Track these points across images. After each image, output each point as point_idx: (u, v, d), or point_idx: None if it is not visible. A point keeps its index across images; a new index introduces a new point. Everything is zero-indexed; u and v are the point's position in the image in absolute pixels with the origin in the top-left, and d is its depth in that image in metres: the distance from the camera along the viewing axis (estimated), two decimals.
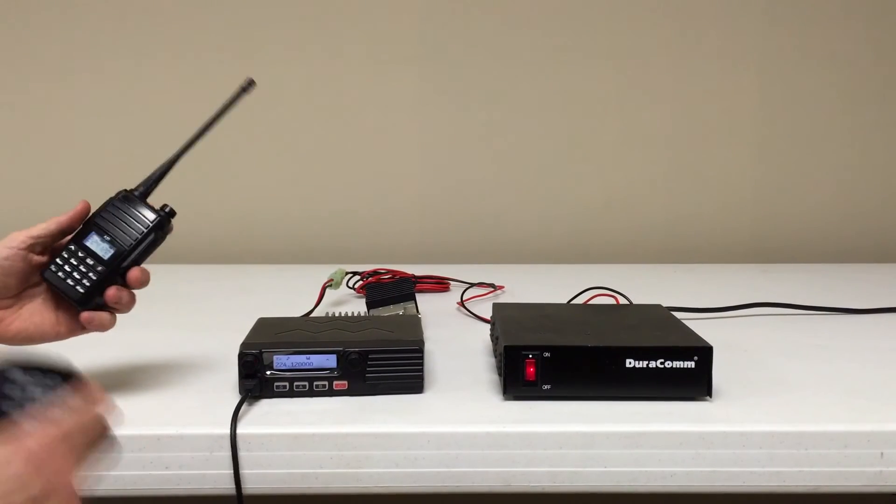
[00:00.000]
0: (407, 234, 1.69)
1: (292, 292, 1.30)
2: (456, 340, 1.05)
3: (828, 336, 1.09)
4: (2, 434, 0.50)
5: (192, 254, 1.55)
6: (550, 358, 0.82)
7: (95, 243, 0.80)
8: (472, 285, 1.33)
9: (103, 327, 0.81)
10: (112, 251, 0.79)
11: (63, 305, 0.81)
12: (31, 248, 0.79)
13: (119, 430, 0.74)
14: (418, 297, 1.16)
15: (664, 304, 1.04)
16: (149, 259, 0.83)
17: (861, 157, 1.70)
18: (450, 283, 1.37)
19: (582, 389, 0.82)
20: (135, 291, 0.82)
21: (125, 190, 0.82)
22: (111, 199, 0.82)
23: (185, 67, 1.63)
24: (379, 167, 1.68)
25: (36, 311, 0.80)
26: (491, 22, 1.64)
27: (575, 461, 0.75)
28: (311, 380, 0.82)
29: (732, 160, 1.69)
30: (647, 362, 0.82)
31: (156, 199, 0.83)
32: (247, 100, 0.85)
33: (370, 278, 1.31)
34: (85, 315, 0.79)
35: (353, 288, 1.32)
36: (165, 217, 0.81)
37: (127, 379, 0.88)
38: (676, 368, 0.81)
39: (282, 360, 0.82)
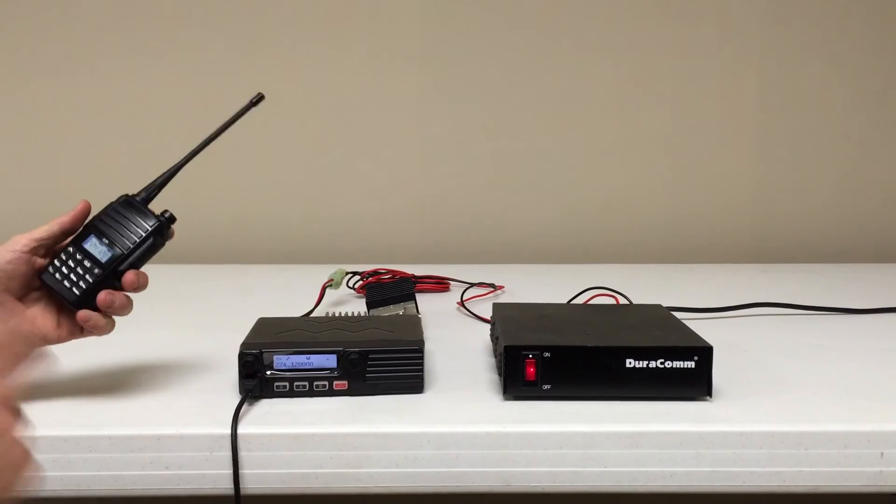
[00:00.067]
0: (407, 234, 1.69)
1: (292, 292, 1.30)
2: (456, 340, 1.05)
3: (828, 336, 1.09)
4: None
5: (192, 254, 1.55)
6: (550, 358, 0.82)
7: (94, 246, 0.80)
8: (472, 285, 1.33)
9: (98, 329, 0.80)
10: (110, 254, 0.79)
11: (64, 308, 0.81)
12: (34, 250, 0.79)
13: (119, 430, 0.75)
14: (418, 297, 1.16)
15: (664, 304, 1.04)
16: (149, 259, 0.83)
17: (861, 157, 1.70)
18: (450, 283, 1.37)
19: (582, 389, 0.82)
20: (133, 295, 0.81)
21: (126, 195, 0.82)
22: (112, 203, 0.82)
23: (185, 67, 1.62)
24: (379, 167, 1.68)
25: (38, 315, 0.80)
26: (491, 22, 1.64)
27: (575, 461, 0.75)
28: (311, 380, 0.82)
29: (732, 160, 1.69)
30: (647, 362, 0.82)
31: (157, 197, 0.83)
32: (247, 100, 0.85)
33: (370, 278, 1.31)
34: (82, 313, 0.79)
35: (353, 288, 1.32)
36: (165, 222, 0.81)
37: (127, 379, 0.88)
38: (676, 368, 0.81)
39: (282, 360, 0.82)
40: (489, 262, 1.61)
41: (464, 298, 1.25)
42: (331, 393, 0.82)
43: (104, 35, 1.62)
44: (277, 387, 0.82)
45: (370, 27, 1.63)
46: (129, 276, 0.80)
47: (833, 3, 1.65)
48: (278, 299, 1.30)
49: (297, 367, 0.82)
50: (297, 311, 1.12)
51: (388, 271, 1.34)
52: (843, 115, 1.68)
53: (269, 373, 0.82)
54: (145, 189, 0.83)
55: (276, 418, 0.77)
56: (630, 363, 0.82)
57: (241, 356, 0.81)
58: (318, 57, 1.64)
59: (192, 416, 0.78)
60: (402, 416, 0.79)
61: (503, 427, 0.76)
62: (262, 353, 0.81)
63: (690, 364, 0.81)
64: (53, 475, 0.74)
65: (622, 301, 1.18)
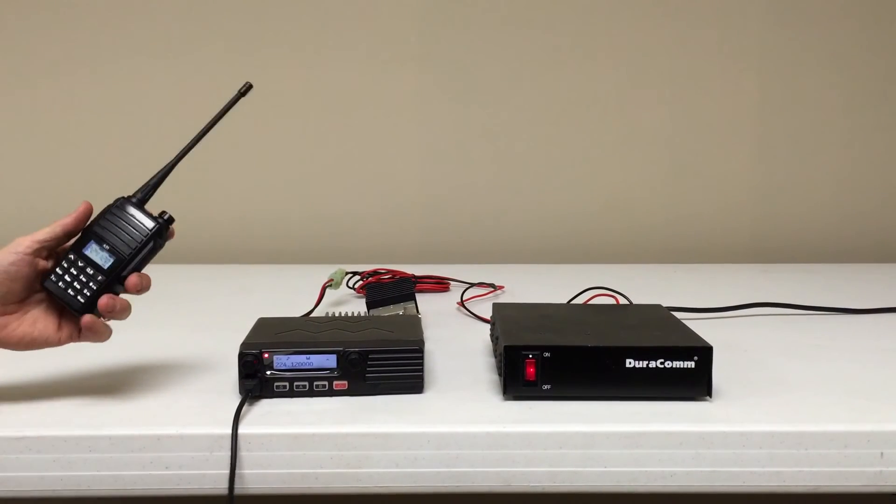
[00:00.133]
0: (407, 234, 1.69)
1: (292, 292, 1.30)
2: (456, 340, 1.05)
3: (828, 336, 1.09)
4: None
5: (192, 254, 1.55)
6: (550, 358, 0.82)
7: (95, 252, 0.79)
8: (472, 285, 1.33)
9: (99, 335, 0.80)
10: (112, 260, 0.79)
11: (65, 312, 0.81)
12: (36, 252, 0.79)
13: (119, 430, 0.75)
14: (418, 297, 1.16)
15: (664, 304, 1.04)
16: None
17: (861, 157, 1.70)
18: (450, 283, 1.37)
19: (582, 389, 0.82)
20: (133, 296, 0.81)
21: (123, 197, 0.82)
22: (109, 206, 0.82)
23: (185, 67, 1.63)
24: (379, 167, 1.68)
25: (39, 317, 0.80)
26: (491, 22, 1.64)
27: (575, 461, 0.75)
28: (311, 380, 0.82)
29: (732, 160, 1.69)
30: (647, 362, 0.82)
31: (157, 197, 0.83)
32: (247, 99, 0.84)
33: (370, 278, 1.31)
34: (87, 318, 0.78)
35: (353, 288, 1.32)
36: (164, 224, 0.81)
37: (127, 379, 0.88)
38: (676, 368, 0.81)
39: (282, 360, 0.82)
40: (489, 262, 1.61)
41: (464, 298, 1.25)
42: (331, 393, 0.82)
43: (104, 35, 1.62)
44: (277, 387, 0.82)
45: (370, 27, 1.63)
46: (132, 279, 0.80)
47: (833, 3, 1.65)
48: (278, 299, 1.30)
49: (297, 367, 0.82)
50: (297, 311, 1.12)
51: (388, 271, 1.34)
52: (843, 115, 1.68)
53: (269, 373, 0.82)
54: (141, 190, 0.82)
55: (276, 418, 0.77)
56: (630, 363, 0.82)
57: (241, 356, 0.81)
58: (318, 57, 1.64)
59: (192, 416, 0.78)
60: (402, 416, 0.79)
61: (503, 427, 0.76)
62: (261, 353, 0.81)
63: (690, 364, 0.81)
64: (53, 475, 0.74)
65: (622, 301, 1.18)
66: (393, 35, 1.64)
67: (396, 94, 1.65)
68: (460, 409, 0.80)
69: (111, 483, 0.74)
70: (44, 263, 0.80)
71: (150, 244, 0.80)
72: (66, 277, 0.79)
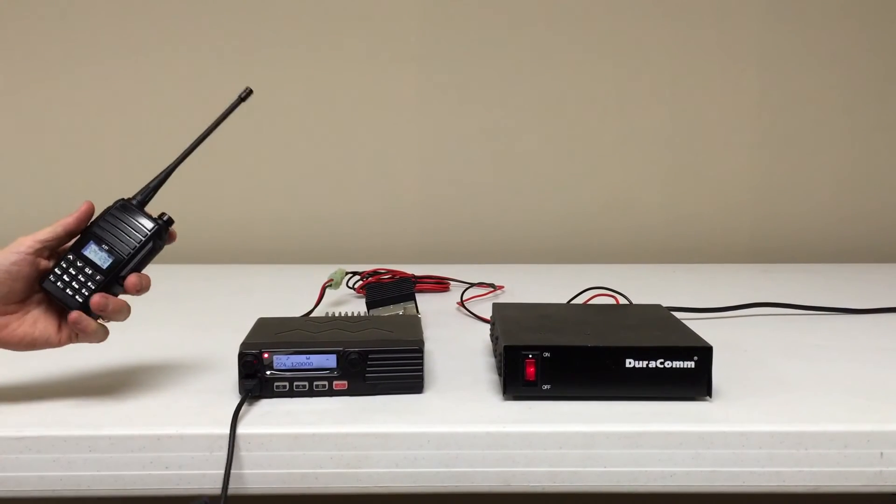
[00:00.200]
0: (407, 234, 1.69)
1: (292, 292, 1.30)
2: (456, 340, 1.05)
3: (828, 336, 1.09)
4: None
5: (192, 254, 1.55)
6: (550, 358, 0.82)
7: (94, 252, 0.80)
8: (472, 285, 1.33)
9: (88, 333, 0.79)
10: (111, 260, 0.79)
11: (66, 313, 0.80)
12: (38, 252, 0.79)
13: (119, 430, 0.75)
14: (418, 297, 1.16)
15: (664, 304, 1.04)
16: None
17: (861, 157, 1.70)
18: (450, 283, 1.37)
19: (582, 389, 0.82)
20: (134, 297, 0.81)
21: (123, 199, 0.82)
22: (109, 208, 0.82)
23: (185, 67, 1.63)
24: (379, 167, 1.68)
25: (40, 317, 0.79)
26: (491, 22, 1.64)
27: (575, 461, 0.75)
28: (310, 380, 0.82)
29: (732, 160, 1.69)
30: (646, 362, 0.82)
31: (157, 197, 0.83)
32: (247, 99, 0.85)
33: (370, 278, 1.31)
34: (73, 314, 0.78)
35: (353, 288, 1.32)
36: (163, 225, 0.81)
37: (127, 379, 0.88)
38: (676, 368, 0.81)
39: (282, 360, 0.82)
40: (489, 262, 1.61)
41: (464, 298, 1.25)
42: (331, 393, 0.82)
43: (104, 35, 1.62)
44: (277, 387, 0.82)
45: (370, 27, 1.63)
46: (131, 279, 0.80)
47: (833, 3, 1.65)
48: (278, 299, 1.30)
49: (297, 367, 0.82)
50: (297, 311, 1.12)
51: (388, 271, 1.34)
52: (843, 115, 1.68)
53: (268, 373, 0.82)
54: (141, 192, 0.83)
55: (276, 418, 0.77)
56: (630, 363, 0.82)
57: (241, 356, 0.81)
58: (317, 57, 1.64)
59: (191, 416, 0.78)
60: (402, 416, 0.79)
61: (503, 427, 0.76)
62: (261, 353, 0.81)
63: (690, 364, 0.81)
64: (53, 475, 0.74)
65: (622, 301, 1.18)
66: (393, 35, 1.64)
67: (396, 94, 1.65)
68: (460, 409, 0.80)
69: (111, 483, 0.74)
70: (45, 263, 0.80)
71: (150, 245, 0.81)
72: (65, 277, 0.79)
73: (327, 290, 1.23)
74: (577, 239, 1.70)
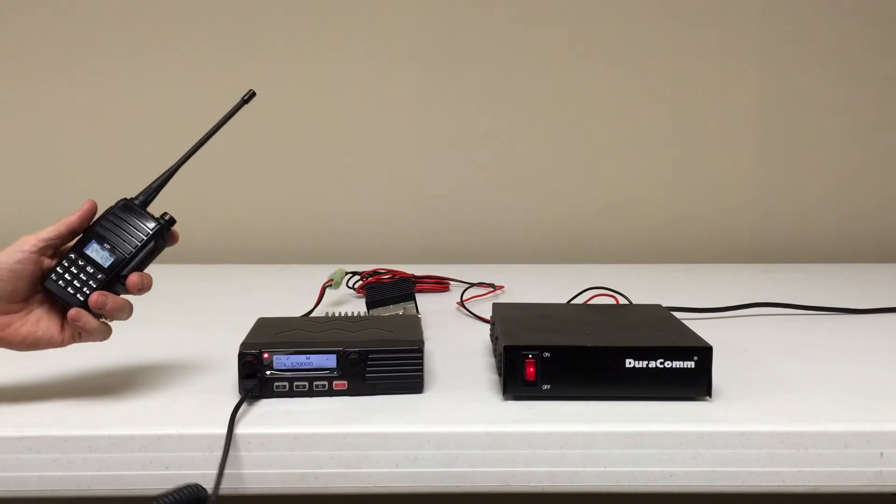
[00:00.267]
0: (407, 234, 1.69)
1: (292, 292, 1.30)
2: (456, 340, 1.05)
3: (828, 336, 1.09)
4: None
5: (192, 254, 1.55)
6: (550, 358, 0.82)
7: (95, 251, 0.80)
8: (472, 285, 1.33)
9: (89, 332, 0.79)
10: (112, 259, 0.79)
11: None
12: (42, 251, 0.79)
13: (119, 430, 0.75)
14: (418, 297, 1.16)
15: (664, 304, 1.04)
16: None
17: (861, 157, 1.70)
18: (450, 283, 1.37)
19: (582, 389, 0.82)
20: (135, 296, 0.81)
21: (125, 199, 0.82)
22: (111, 207, 0.82)
23: (186, 68, 1.63)
24: (379, 167, 1.68)
25: (43, 317, 0.79)
26: (491, 22, 1.64)
27: (575, 461, 0.75)
28: (310, 380, 0.82)
29: (732, 160, 1.69)
30: (646, 362, 0.81)
31: (157, 197, 0.83)
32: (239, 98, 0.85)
33: (370, 278, 1.31)
34: (73, 311, 0.78)
35: (353, 288, 1.32)
36: (165, 225, 0.81)
37: (127, 379, 0.88)
38: (676, 368, 0.81)
39: (282, 360, 0.82)
40: (489, 262, 1.61)
41: (464, 298, 1.25)
42: (330, 393, 0.82)
43: (104, 35, 1.62)
44: (277, 387, 0.82)
45: (370, 27, 1.63)
46: (132, 278, 0.80)
47: (833, 3, 1.65)
48: (278, 299, 1.30)
49: (297, 367, 0.82)
50: (297, 311, 1.12)
51: (388, 271, 1.34)
52: (843, 115, 1.68)
53: (268, 373, 0.82)
54: (143, 192, 0.83)
55: (275, 418, 0.77)
56: (630, 363, 0.82)
57: (241, 356, 0.81)
58: (317, 57, 1.64)
59: (191, 416, 0.78)
60: (402, 416, 0.79)
61: (503, 427, 0.76)
62: (261, 353, 0.81)
63: (690, 364, 0.81)
64: (53, 475, 0.74)
65: (622, 301, 1.18)
66: (393, 35, 1.64)
67: (396, 94, 1.65)
68: (460, 409, 0.80)
69: (111, 483, 0.74)
70: (48, 262, 0.80)
71: (151, 244, 0.81)
72: (66, 276, 0.79)
73: (327, 290, 1.23)
74: (577, 239, 1.70)
